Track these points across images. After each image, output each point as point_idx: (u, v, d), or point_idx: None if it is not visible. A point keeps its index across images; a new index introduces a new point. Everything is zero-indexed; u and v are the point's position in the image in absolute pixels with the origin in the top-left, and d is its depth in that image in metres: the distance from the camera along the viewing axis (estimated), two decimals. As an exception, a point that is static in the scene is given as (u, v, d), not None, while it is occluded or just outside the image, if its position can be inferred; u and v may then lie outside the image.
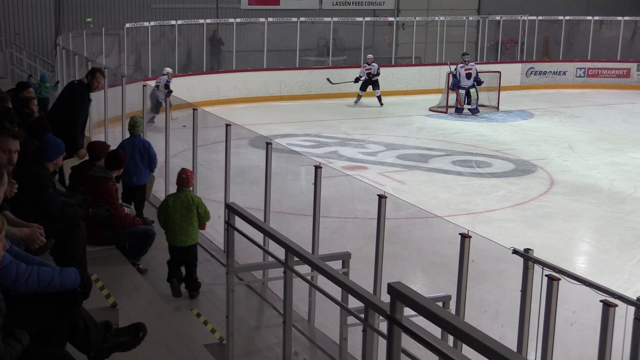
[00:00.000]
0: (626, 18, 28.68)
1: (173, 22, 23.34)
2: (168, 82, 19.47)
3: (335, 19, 25.52)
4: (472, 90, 22.42)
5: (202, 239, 10.29)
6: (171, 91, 18.02)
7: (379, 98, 23.45)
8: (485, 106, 22.84)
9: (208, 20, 23.81)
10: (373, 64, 23.58)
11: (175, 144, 12.40)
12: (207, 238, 10.30)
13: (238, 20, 24.22)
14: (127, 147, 9.70)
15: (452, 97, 22.71)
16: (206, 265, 9.29)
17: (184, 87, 20.85)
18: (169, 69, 20.47)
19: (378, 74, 23.50)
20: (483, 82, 22.57)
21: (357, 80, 23.27)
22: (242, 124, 15.04)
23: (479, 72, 22.56)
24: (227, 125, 9.68)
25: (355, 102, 23.56)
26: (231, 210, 6.06)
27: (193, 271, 8.18)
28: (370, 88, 23.47)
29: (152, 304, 6.72)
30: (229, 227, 6.10)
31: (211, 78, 23.43)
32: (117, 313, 5.93)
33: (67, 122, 9.71)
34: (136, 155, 9.66)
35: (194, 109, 10.66)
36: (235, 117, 17.33)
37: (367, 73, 23.52)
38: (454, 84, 22.38)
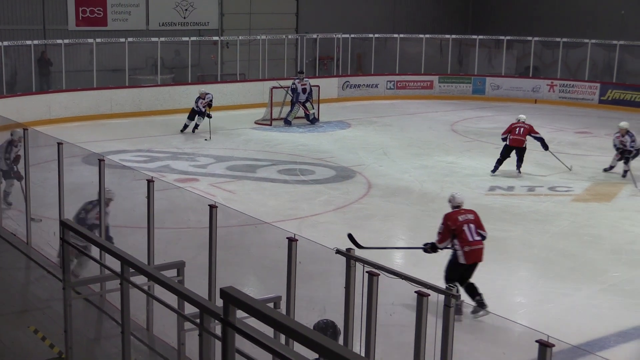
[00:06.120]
0: (427, 36, 30.03)
1: (-1, 43, 22.20)
2: None
3: (162, 39, 25.15)
4: (308, 104, 22.97)
5: (38, 256, 9.89)
6: None
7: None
8: None
9: (35, 42, 22.80)
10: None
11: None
12: (42, 255, 9.91)
13: (66, 41, 23.35)
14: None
15: (276, 110, 23.04)
16: (42, 281, 8.94)
17: (13, 108, 19.88)
18: None
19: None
20: (312, 98, 23.08)
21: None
22: (74, 142, 14.56)
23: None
24: (58, 143, 9.37)
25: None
26: (66, 226, 5.89)
27: None
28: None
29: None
30: (64, 243, 5.92)
31: (41, 98, 22.44)
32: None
33: None
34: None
35: (24, 129, 10.22)
36: (67, 136, 16.73)
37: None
38: (296, 98, 22.84)
